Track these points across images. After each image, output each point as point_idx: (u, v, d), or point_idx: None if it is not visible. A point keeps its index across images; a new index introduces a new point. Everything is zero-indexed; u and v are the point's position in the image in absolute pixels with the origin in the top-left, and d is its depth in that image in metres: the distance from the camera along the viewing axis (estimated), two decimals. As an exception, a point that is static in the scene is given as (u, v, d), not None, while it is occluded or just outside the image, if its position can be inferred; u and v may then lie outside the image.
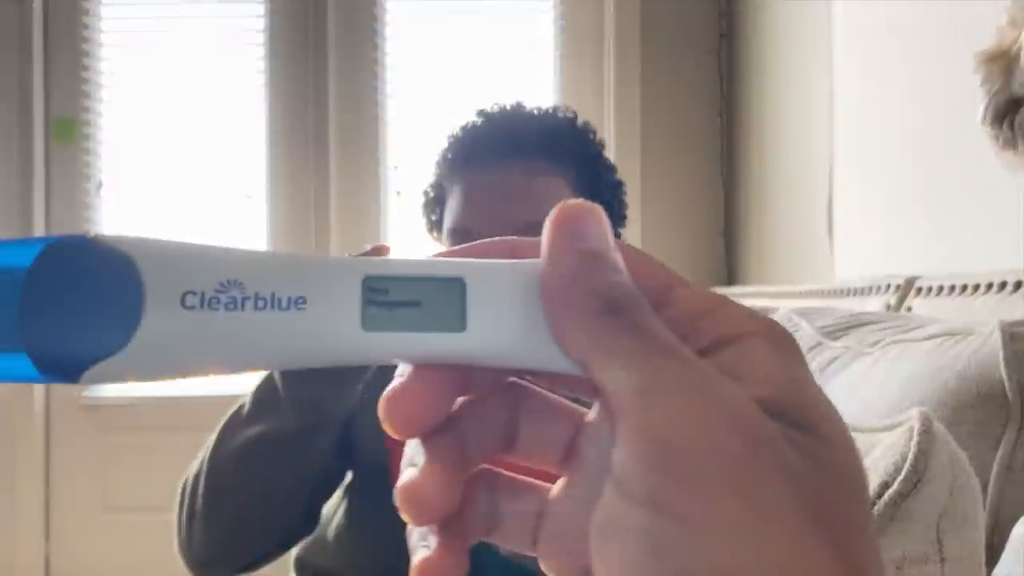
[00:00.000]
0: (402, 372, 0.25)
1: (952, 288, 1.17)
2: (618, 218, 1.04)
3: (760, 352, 0.23)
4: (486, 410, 0.27)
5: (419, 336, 0.24)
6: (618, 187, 1.07)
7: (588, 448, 0.26)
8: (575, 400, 0.27)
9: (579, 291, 0.24)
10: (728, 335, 0.24)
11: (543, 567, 0.27)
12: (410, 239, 2.32)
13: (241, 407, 0.93)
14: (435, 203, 1.03)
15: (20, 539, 2.22)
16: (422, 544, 0.26)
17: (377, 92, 2.29)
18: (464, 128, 1.02)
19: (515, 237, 0.27)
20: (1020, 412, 0.82)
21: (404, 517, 0.25)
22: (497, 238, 0.27)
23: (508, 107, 1.02)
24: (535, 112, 1.03)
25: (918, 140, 1.41)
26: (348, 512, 0.98)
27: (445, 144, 1.02)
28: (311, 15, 2.29)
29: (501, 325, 0.25)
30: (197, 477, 0.94)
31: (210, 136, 2.32)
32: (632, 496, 0.21)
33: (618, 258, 0.24)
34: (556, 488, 0.27)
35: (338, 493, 1.00)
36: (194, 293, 0.23)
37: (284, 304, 0.24)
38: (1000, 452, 0.82)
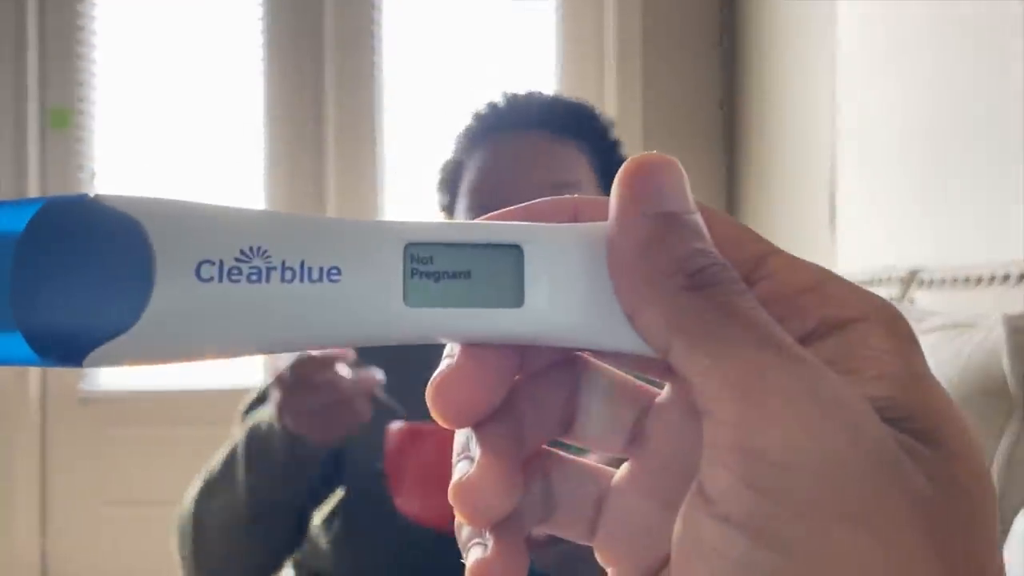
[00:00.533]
0: (450, 352, 0.22)
1: (955, 280, 1.16)
2: None
3: (875, 340, 0.20)
4: (543, 390, 0.24)
5: (470, 312, 0.21)
6: None
7: (659, 435, 0.24)
8: (640, 376, 0.24)
9: (655, 262, 0.20)
10: (836, 318, 0.20)
11: (600, 559, 0.24)
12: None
13: (217, 468, 0.91)
14: (450, 183, 0.99)
15: (16, 534, 2.21)
16: (476, 542, 0.23)
17: (374, 81, 2.28)
18: (487, 104, 0.99)
19: (578, 196, 0.23)
20: (1023, 405, 0.82)
21: (460, 518, 0.22)
22: (557, 196, 0.23)
23: (530, 90, 1.01)
24: (557, 95, 1.03)
25: (922, 131, 1.40)
26: (343, 529, 0.95)
27: (466, 122, 1.00)
28: (309, 8, 2.28)
29: (564, 300, 0.21)
30: (184, 528, 0.92)
31: (206, 124, 2.31)
32: (727, 518, 0.18)
33: (701, 222, 0.21)
34: (620, 474, 0.24)
35: (331, 504, 0.98)
36: (211, 262, 0.20)
37: (315, 275, 0.21)
38: (1002, 445, 0.82)
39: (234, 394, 1.05)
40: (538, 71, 2.28)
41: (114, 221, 0.20)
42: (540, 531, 0.25)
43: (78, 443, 2.25)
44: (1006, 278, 1.08)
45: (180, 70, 2.31)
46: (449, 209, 1.00)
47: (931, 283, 1.22)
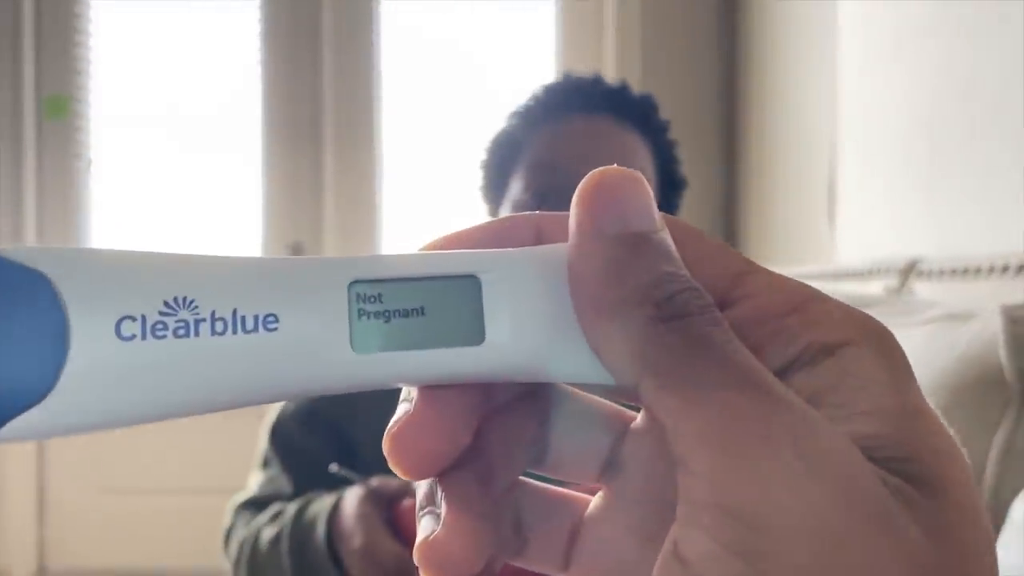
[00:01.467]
0: (407, 396, 0.21)
1: (954, 271, 1.16)
2: None
3: (865, 369, 0.18)
4: (511, 423, 0.22)
5: (426, 354, 0.19)
6: (683, 187, 0.99)
7: (634, 463, 0.22)
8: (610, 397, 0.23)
9: (620, 289, 0.18)
10: (821, 342, 0.18)
11: None
12: (404, 222, 2.30)
13: (268, 544, 0.88)
14: (503, 161, 0.93)
15: (13, 522, 2.21)
16: None
17: (373, 77, 2.27)
18: (546, 86, 0.95)
19: (540, 212, 0.22)
20: (1019, 396, 0.81)
21: None
22: (519, 214, 0.22)
23: (595, 73, 0.97)
24: (624, 83, 0.98)
25: (922, 122, 1.39)
26: None
27: (525, 100, 0.95)
28: (307, 1, 2.27)
29: (528, 333, 0.20)
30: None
31: (204, 115, 2.30)
32: None
33: (669, 241, 0.19)
34: (594, 505, 0.23)
35: None
36: (133, 318, 0.18)
37: (250, 325, 0.19)
38: (999, 435, 0.81)
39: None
40: (537, 69, 2.27)
41: (20, 278, 0.18)
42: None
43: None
44: (1005, 269, 1.07)
45: (178, 60, 2.30)
46: (496, 188, 0.94)
47: (930, 274, 1.22)
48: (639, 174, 0.19)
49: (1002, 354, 0.82)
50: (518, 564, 0.23)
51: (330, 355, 0.19)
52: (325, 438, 0.93)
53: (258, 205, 2.28)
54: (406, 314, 0.20)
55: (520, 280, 0.20)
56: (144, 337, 0.18)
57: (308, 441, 0.94)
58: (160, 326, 0.18)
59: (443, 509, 0.20)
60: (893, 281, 1.27)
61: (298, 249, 2.23)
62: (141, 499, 2.21)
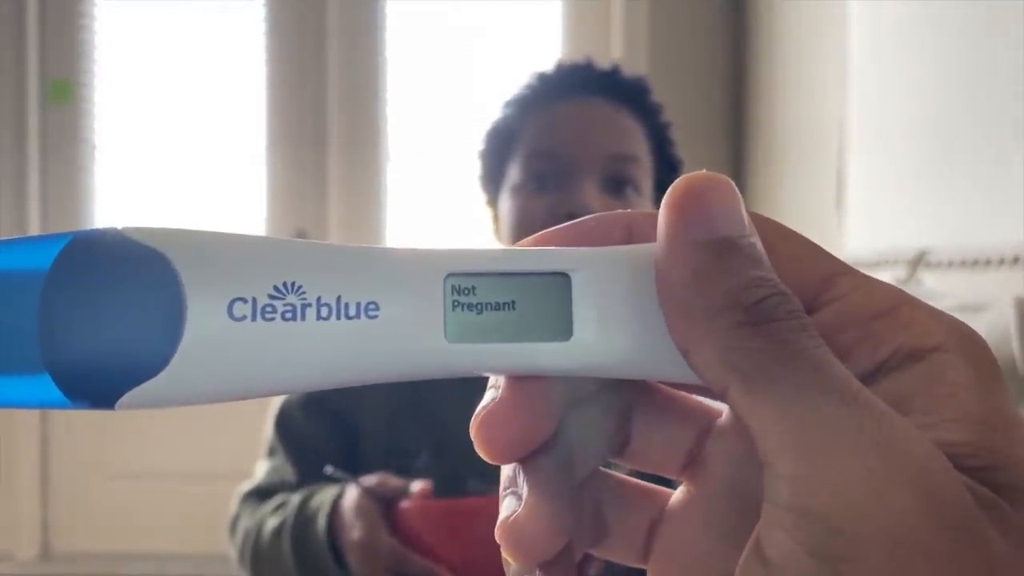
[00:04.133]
0: (495, 383, 0.21)
1: (963, 262, 1.16)
2: None
3: (955, 374, 0.18)
4: (594, 415, 0.23)
5: (514, 348, 0.20)
6: (679, 168, 0.98)
7: (719, 460, 0.22)
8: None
9: (708, 294, 0.18)
10: (911, 347, 0.18)
11: None
12: (408, 210, 2.29)
13: (271, 532, 0.88)
14: (499, 150, 0.93)
15: (17, 505, 2.22)
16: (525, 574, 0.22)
17: (378, 75, 2.25)
18: (539, 73, 0.97)
19: (630, 211, 0.22)
20: (1033, 388, 0.81)
21: (507, 557, 0.21)
22: (610, 212, 0.22)
23: (587, 58, 0.98)
24: (615, 65, 0.98)
25: (931, 111, 1.38)
26: None
27: (518, 89, 0.96)
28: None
29: (615, 331, 0.20)
30: (241, 564, 0.91)
31: (209, 102, 2.29)
32: None
33: (759, 245, 0.19)
34: (676, 498, 0.23)
35: None
36: (244, 300, 0.19)
37: (352, 311, 0.20)
38: (1011, 428, 0.81)
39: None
40: (542, 61, 2.25)
41: (143, 257, 0.19)
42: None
43: (80, 414, 2.25)
44: (1015, 260, 1.07)
45: (184, 46, 2.29)
46: (494, 176, 0.94)
47: (939, 265, 1.21)
48: (727, 179, 0.20)
49: (1015, 346, 0.82)
50: (598, 554, 0.23)
51: (425, 343, 0.20)
52: (329, 427, 0.94)
53: (262, 192, 2.27)
54: (498, 307, 0.20)
55: (609, 279, 0.20)
56: (254, 319, 0.20)
57: (312, 430, 0.94)
58: (269, 309, 0.20)
59: (524, 491, 0.21)
60: (902, 272, 1.27)
61: (302, 236, 2.23)
62: (145, 484, 2.21)
